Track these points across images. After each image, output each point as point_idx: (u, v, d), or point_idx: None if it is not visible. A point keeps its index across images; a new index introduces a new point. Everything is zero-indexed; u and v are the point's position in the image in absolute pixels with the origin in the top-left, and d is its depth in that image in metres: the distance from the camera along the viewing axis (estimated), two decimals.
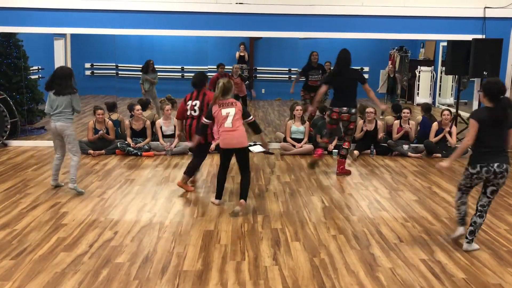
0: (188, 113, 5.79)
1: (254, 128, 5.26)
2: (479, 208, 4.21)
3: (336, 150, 7.90)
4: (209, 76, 10.32)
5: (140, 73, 10.36)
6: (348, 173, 6.82)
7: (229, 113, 5.06)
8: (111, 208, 5.20)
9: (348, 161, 7.61)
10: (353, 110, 6.50)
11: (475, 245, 4.25)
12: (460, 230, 4.33)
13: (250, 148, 8.16)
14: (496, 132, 4.04)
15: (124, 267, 3.82)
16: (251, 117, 5.23)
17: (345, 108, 6.47)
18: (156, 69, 10.51)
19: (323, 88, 6.67)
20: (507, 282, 3.69)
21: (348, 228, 4.74)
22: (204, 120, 5.24)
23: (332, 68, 7.57)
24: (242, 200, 5.13)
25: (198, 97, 5.76)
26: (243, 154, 5.17)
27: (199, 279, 3.64)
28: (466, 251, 4.21)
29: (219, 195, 5.37)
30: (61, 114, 5.60)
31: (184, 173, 5.85)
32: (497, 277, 3.77)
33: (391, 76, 11.10)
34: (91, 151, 7.64)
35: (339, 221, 4.94)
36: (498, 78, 4.48)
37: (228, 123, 5.04)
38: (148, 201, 5.48)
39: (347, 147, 6.75)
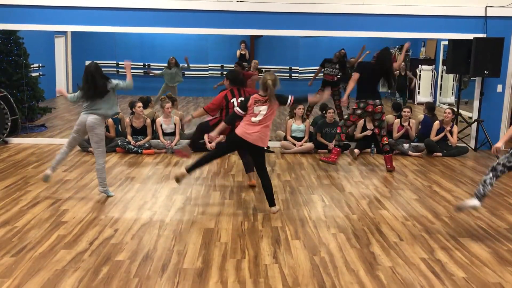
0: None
1: (299, 100, 5.27)
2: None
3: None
4: (211, 75, 10.38)
5: (142, 71, 10.35)
6: (392, 169, 6.95)
7: (261, 111, 4.89)
8: (112, 206, 5.21)
9: (348, 159, 7.62)
10: (382, 103, 6.82)
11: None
12: (476, 203, 4.36)
13: None
14: None
15: (124, 264, 3.82)
16: (289, 99, 4.99)
17: (378, 101, 6.71)
18: (157, 67, 10.53)
19: (356, 76, 6.75)
20: (507, 281, 3.69)
21: (348, 227, 4.74)
22: (239, 110, 5.00)
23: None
24: (272, 208, 5.05)
25: (241, 94, 5.74)
26: (257, 152, 4.99)
27: (199, 277, 3.64)
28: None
29: (190, 169, 5.10)
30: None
31: (248, 171, 6.01)
32: (497, 276, 3.77)
33: (403, 74, 11.06)
34: (91, 149, 7.63)
35: (339, 219, 4.94)
36: None
37: (255, 119, 4.89)
38: (149, 199, 5.49)
39: (387, 142, 6.94)
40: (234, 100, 5.71)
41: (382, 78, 6.80)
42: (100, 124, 5.33)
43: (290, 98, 4.99)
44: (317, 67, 10.02)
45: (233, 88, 5.81)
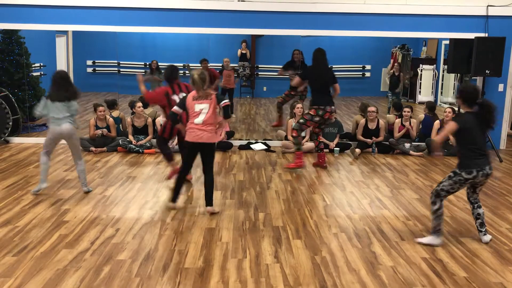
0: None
1: (224, 112, 4.95)
2: (473, 201, 4.39)
3: (338, 149, 7.92)
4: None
5: (142, 70, 10.35)
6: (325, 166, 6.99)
7: (203, 109, 4.83)
8: (113, 206, 5.21)
9: (349, 158, 7.62)
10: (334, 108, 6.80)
11: (489, 235, 4.42)
12: (435, 241, 4.32)
13: (251, 146, 8.19)
14: (481, 135, 4.20)
15: (126, 264, 3.82)
16: (226, 100, 4.93)
17: (333, 107, 6.71)
18: (158, 66, 10.53)
19: (301, 81, 6.85)
20: (509, 281, 3.69)
21: (350, 226, 4.74)
22: (176, 109, 4.97)
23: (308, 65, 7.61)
24: (208, 208, 4.99)
25: (182, 90, 5.78)
26: (209, 151, 4.94)
27: (200, 276, 3.65)
28: (486, 243, 4.34)
29: (174, 198, 5.07)
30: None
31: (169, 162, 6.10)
32: (499, 275, 3.77)
33: (396, 74, 11.07)
34: (92, 148, 7.65)
35: (340, 219, 4.94)
36: (474, 84, 4.65)
37: (199, 120, 4.83)
38: (150, 198, 5.49)
39: (319, 141, 7.03)
40: (175, 96, 5.76)
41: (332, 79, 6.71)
42: (75, 131, 5.56)
43: (226, 101, 4.92)
44: None
45: (174, 85, 5.82)
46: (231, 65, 10.37)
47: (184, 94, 5.58)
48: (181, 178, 5.09)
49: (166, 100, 5.74)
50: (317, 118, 6.65)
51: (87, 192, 5.60)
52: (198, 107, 4.85)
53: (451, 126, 4.14)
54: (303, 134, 8.04)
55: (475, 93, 4.22)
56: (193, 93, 4.91)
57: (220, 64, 10.65)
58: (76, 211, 5.00)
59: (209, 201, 5.01)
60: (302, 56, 8.82)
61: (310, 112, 6.67)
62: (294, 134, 6.82)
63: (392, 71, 10.89)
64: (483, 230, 4.39)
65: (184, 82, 5.91)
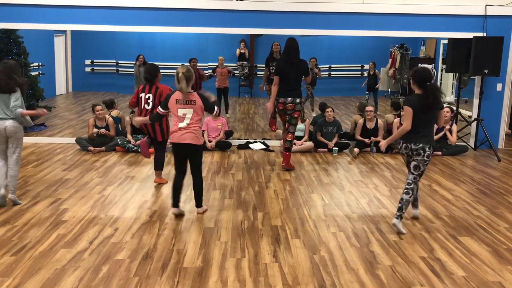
0: (142, 106, 5.83)
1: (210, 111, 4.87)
2: (406, 181, 4.67)
3: (337, 148, 7.93)
4: (210, 74, 10.36)
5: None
6: (292, 168, 6.83)
7: (186, 115, 4.72)
8: (111, 205, 5.21)
9: (348, 158, 7.63)
10: (298, 100, 6.62)
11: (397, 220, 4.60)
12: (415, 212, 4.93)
13: (250, 145, 8.19)
14: (422, 115, 4.43)
15: (124, 263, 3.82)
16: (215, 109, 4.86)
17: (289, 99, 6.59)
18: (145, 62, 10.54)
19: (277, 80, 6.64)
20: (507, 280, 3.69)
21: (348, 226, 4.74)
22: (160, 109, 4.93)
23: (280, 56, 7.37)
24: (198, 209, 4.98)
25: (151, 91, 5.79)
26: (194, 152, 4.83)
27: (199, 276, 3.65)
28: (394, 226, 4.58)
29: (175, 203, 4.91)
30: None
31: (156, 169, 6.06)
32: (497, 275, 3.77)
33: (371, 73, 11.10)
34: (91, 148, 7.64)
35: (339, 218, 4.94)
36: (425, 66, 4.82)
37: (183, 124, 4.73)
38: (149, 198, 5.49)
39: (290, 139, 6.78)
40: (142, 95, 5.81)
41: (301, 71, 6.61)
42: (20, 127, 5.03)
43: (216, 109, 4.87)
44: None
45: (146, 84, 5.86)
46: (229, 64, 10.36)
47: (150, 95, 5.72)
48: (176, 185, 4.92)
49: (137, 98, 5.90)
50: (277, 109, 6.76)
51: (14, 203, 5.12)
52: (181, 111, 4.74)
53: (408, 110, 4.42)
54: (300, 133, 8.05)
55: (425, 75, 4.41)
56: (176, 94, 4.76)
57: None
58: (74, 211, 4.99)
59: (198, 203, 5.00)
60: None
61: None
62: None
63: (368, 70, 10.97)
64: (399, 214, 4.57)
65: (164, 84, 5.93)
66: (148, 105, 5.78)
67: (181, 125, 4.75)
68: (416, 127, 4.44)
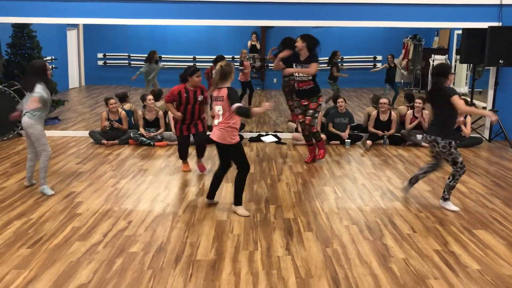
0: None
1: (242, 115, 4.61)
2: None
3: (349, 141, 7.89)
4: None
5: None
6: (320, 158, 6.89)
7: (219, 111, 4.64)
8: (125, 198, 5.25)
9: (360, 150, 7.58)
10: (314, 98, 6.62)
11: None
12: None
13: (262, 138, 8.18)
14: (434, 107, 4.91)
15: (138, 256, 3.85)
16: (234, 107, 4.52)
17: (305, 99, 6.62)
18: (168, 59, 10.52)
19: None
20: None
21: (361, 219, 4.72)
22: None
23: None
24: (232, 207, 4.85)
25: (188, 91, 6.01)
26: (225, 149, 4.72)
27: (212, 268, 3.67)
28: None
29: (210, 195, 5.00)
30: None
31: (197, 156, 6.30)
32: None
33: (392, 65, 11.00)
34: (104, 141, 7.70)
35: (351, 211, 4.93)
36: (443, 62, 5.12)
37: (216, 121, 4.69)
38: (162, 191, 5.52)
39: (315, 131, 6.76)
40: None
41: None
42: (33, 123, 5.19)
43: (235, 105, 4.51)
44: (327, 58, 9.96)
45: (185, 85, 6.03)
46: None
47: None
48: (215, 177, 4.96)
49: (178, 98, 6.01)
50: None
51: (43, 194, 5.30)
52: (216, 108, 4.66)
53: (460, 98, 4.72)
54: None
55: (448, 68, 4.92)
56: (214, 91, 4.70)
57: (231, 56, 10.62)
58: (88, 204, 5.04)
59: (235, 199, 4.83)
60: None
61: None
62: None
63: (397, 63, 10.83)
64: (442, 195, 5.06)
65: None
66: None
67: (215, 122, 4.71)
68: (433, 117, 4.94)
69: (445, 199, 5.02)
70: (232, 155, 4.77)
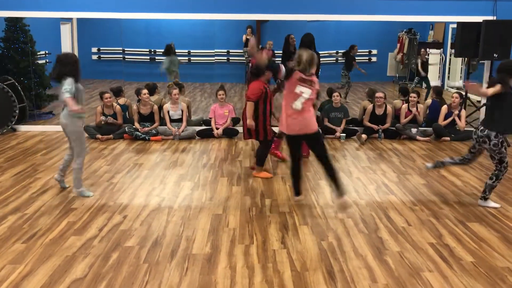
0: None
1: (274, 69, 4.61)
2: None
3: (344, 134, 7.91)
4: (217, 61, 10.33)
5: (147, 57, 10.33)
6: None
7: (303, 93, 4.48)
8: (120, 193, 5.24)
9: (355, 144, 7.60)
10: None
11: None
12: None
13: None
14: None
15: (134, 250, 3.86)
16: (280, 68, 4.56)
17: None
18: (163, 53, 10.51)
19: None
20: None
21: (356, 212, 4.74)
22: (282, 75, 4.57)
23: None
24: (341, 199, 4.58)
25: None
26: (314, 140, 4.64)
27: (208, 262, 3.67)
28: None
29: (297, 192, 4.95)
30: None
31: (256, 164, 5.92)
32: (506, 260, 3.77)
33: (424, 60, 11.02)
34: (99, 136, 7.67)
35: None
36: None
37: (296, 105, 4.50)
38: (157, 185, 5.51)
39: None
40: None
41: None
42: (70, 122, 4.98)
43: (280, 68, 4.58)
44: (325, 52, 9.95)
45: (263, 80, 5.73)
46: (236, 51, 10.29)
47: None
48: (295, 174, 4.91)
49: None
50: None
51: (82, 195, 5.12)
52: (299, 88, 4.49)
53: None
54: None
55: None
56: (299, 73, 4.50)
57: (226, 50, 10.59)
58: (83, 198, 5.03)
59: (337, 190, 4.59)
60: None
61: None
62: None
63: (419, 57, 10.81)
64: (482, 195, 4.96)
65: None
66: None
67: (295, 106, 4.52)
68: None
69: (486, 199, 4.91)
70: (314, 143, 4.66)
